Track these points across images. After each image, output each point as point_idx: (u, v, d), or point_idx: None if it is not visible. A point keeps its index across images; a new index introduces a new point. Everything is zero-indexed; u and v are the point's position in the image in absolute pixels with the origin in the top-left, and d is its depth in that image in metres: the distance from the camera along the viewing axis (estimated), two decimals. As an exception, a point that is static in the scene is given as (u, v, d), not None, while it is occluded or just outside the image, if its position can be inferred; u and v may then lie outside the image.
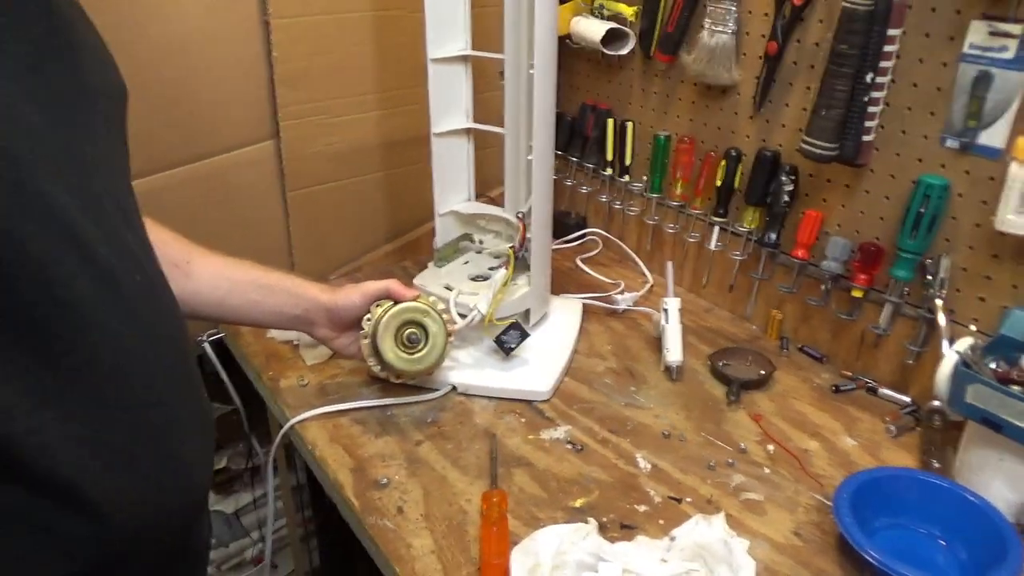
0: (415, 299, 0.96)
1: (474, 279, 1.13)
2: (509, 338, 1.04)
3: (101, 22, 0.60)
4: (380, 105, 1.28)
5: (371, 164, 1.32)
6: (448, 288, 1.09)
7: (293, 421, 0.99)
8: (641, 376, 1.10)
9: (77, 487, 0.49)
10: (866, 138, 0.99)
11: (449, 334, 0.97)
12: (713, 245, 1.25)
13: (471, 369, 1.07)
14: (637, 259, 1.41)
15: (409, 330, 0.95)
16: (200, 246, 0.87)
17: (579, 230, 1.50)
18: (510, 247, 1.08)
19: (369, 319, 0.95)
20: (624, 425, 0.99)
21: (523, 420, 1.00)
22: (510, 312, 1.07)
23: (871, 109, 0.97)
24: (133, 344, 0.53)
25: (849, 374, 1.09)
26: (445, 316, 0.97)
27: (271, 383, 1.07)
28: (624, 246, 1.44)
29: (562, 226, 1.50)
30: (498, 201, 1.27)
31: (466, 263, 1.18)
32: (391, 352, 0.95)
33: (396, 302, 0.95)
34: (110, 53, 0.60)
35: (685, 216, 1.30)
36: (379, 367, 0.97)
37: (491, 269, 1.15)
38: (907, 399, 1.03)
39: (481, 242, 1.23)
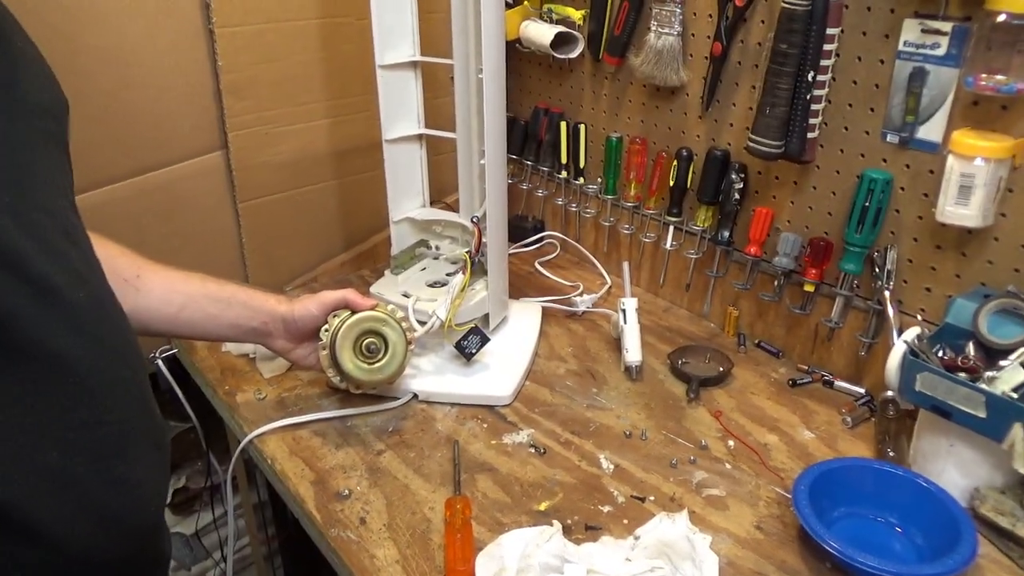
0: (373, 308, 0.95)
1: (432, 285, 1.13)
2: (469, 343, 1.04)
3: (37, 33, 0.59)
4: (330, 113, 1.27)
5: (323, 173, 1.31)
6: (406, 295, 1.09)
7: (251, 436, 0.97)
8: (602, 377, 1.11)
9: (20, 512, 0.48)
10: (810, 135, 1.01)
11: (409, 342, 0.97)
12: (668, 244, 1.27)
13: (432, 376, 1.07)
14: (595, 260, 1.43)
15: (368, 339, 0.95)
16: (150, 260, 0.86)
17: (537, 233, 1.51)
18: (466, 252, 1.09)
19: (327, 330, 0.94)
20: (586, 427, 1.00)
21: (485, 425, 1.00)
22: (469, 317, 1.07)
23: (814, 107, 1.00)
24: (80, 361, 0.52)
25: (805, 368, 1.12)
26: (404, 324, 0.97)
27: (228, 398, 1.05)
28: (581, 248, 1.45)
29: (520, 230, 1.50)
30: (454, 207, 1.27)
31: (423, 270, 1.18)
32: (350, 362, 0.94)
33: (354, 312, 0.95)
34: (49, 67, 0.59)
35: (640, 217, 1.32)
36: (338, 378, 0.96)
37: (448, 275, 1.15)
38: (861, 390, 1.05)
39: (438, 248, 1.23)
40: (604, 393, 1.07)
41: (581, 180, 1.40)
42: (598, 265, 1.42)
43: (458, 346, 1.04)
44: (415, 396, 1.05)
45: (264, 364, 1.11)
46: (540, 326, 1.21)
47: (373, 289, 1.13)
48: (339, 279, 1.38)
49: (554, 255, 1.48)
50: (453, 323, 1.03)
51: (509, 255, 1.20)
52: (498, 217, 1.09)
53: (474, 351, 1.04)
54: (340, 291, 0.96)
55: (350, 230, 1.40)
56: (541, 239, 1.51)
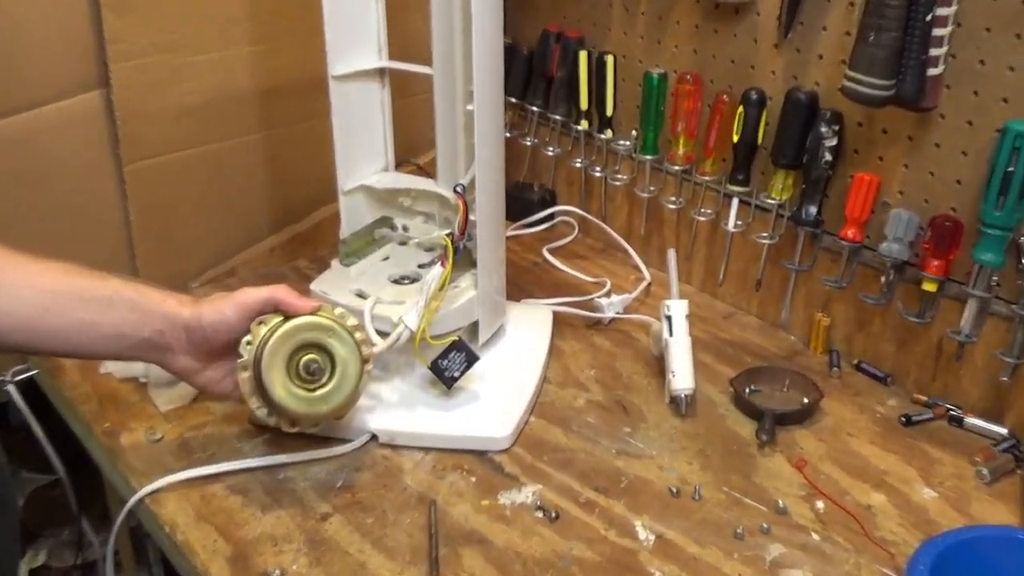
0: (314, 312, 0.95)
1: (398, 282, 1.13)
2: (450, 364, 1.04)
3: None
4: (255, 38, 1.27)
5: (245, 122, 1.31)
6: (361, 296, 1.09)
7: (142, 493, 0.97)
8: (638, 411, 1.11)
9: None
10: (932, 71, 1.01)
11: (365, 360, 0.96)
12: (731, 225, 1.27)
13: (398, 409, 1.07)
14: (627, 247, 1.43)
15: (307, 356, 0.94)
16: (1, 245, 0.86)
17: (546, 208, 1.51)
18: (447, 234, 1.09)
19: (249, 342, 0.94)
20: (616, 481, 1.00)
21: (473, 479, 1.00)
22: (451, 327, 1.07)
23: (936, 32, 0.99)
24: None
25: (924, 399, 1.12)
26: (358, 335, 0.97)
27: (108, 439, 1.05)
28: (609, 230, 1.45)
29: (522, 203, 1.51)
30: (429, 170, 1.27)
31: (386, 259, 1.18)
32: (282, 388, 0.94)
33: (287, 317, 0.95)
34: None
35: (691, 185, 1.32)
36: (266, 411, 0.96)
37: (421, 267, 1.15)
38: (1003, 431, 1.06)
39: (406, 229, 1.23)
40: (641, 434, 1.07)
41: (608, 133, 1.40)
42: (632, 254, 1.42)
43: (434, 367, 1.04)
44: (374, 437, 1.05)
45: (160, 392, 1.11)
46: (550, 340, 1.21)
47: (314, 286, 1.13)
48: (267, 272, 1.38)
49: (570, 239, 1.48)
50: (428, 335, 1.03)
51: (507, 239, 1.20)
52: (492, 186, 1.09)
53: (457, 375, 1.04)
54: (267, 288, 0.96)
55: (283, 203, 1.40)
56: (552, 216, 1.51)
